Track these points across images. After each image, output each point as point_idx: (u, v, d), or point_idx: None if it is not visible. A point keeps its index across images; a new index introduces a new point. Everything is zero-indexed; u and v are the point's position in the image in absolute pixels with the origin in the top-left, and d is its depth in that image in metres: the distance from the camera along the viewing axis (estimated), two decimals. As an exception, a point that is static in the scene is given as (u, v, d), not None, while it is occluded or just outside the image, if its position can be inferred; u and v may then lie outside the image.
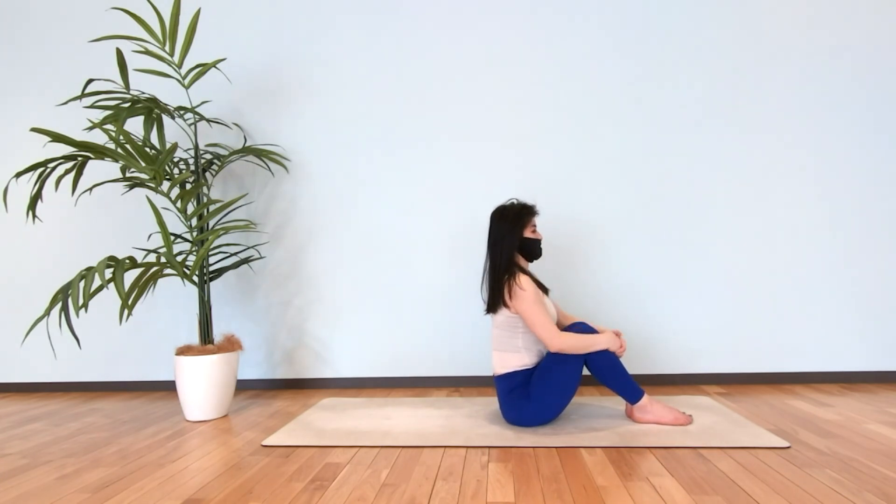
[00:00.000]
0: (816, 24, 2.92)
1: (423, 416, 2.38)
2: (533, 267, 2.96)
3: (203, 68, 2.64)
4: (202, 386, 2.47)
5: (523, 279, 2.17)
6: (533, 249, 2.29)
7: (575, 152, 2.99)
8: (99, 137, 3.07)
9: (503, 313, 2.21)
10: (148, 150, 2.51)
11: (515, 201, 2.32)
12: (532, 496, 1.54)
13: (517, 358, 2.20)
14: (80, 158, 2.41)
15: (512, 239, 2.24)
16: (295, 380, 3.11)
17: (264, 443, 2.09)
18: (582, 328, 2.16)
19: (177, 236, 2.70)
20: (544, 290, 2.33)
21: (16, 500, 1.64)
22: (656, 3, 2.97)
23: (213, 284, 3.12)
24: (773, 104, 2.92)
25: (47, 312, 2.17)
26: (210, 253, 2.75)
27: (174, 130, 3.12)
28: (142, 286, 2.33)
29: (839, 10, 2.91)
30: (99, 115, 3.24)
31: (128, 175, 2.65)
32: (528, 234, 2.27)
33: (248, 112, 3.15)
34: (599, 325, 2.96)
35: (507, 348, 2.22)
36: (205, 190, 2.79)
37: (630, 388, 2.16)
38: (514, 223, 2.25)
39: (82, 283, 2.25)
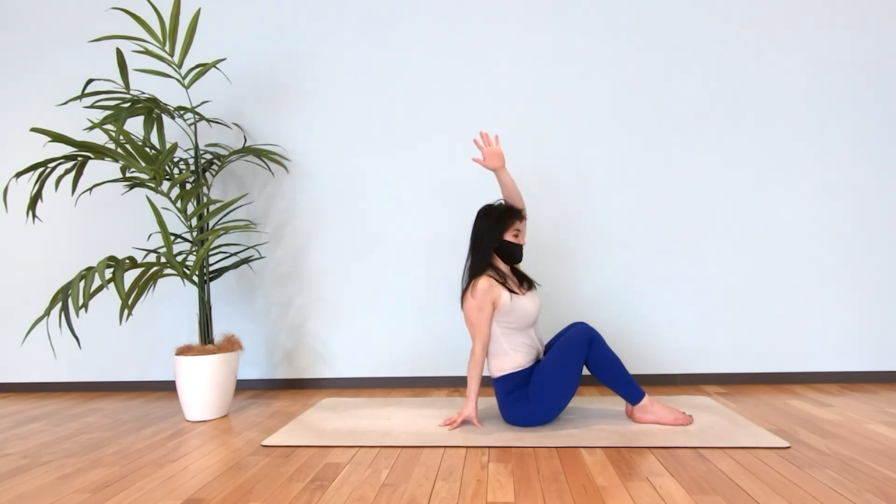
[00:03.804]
0: (821, 22, 2.92)
1: (423, 416, 2.38)
2: (531, 267, 2.95)
3: (203, 68, 2.64)
4: (202, 386, 2.47)
5: (480, 284, 2.15)
6: (511, 253, 2.25)
7: (574, 153, 2.99)
8: (99, 137, 3.07)
9: None
10: (148, 150, 2.51)
11: (504, 202, 2.30)
12: (532, 496, 1.54)
13: (508, 360, 2.19)
14: (80, 158, 2.41)
15: (491, 239, 2.22)
16: (295, 380, 3.11)
17: (264, 443, 2.09)
18: (579, 328, 2.16)
19: (177, 236, 2.70)
20: (530, 284, 2.30)
21: (16, 500, 1.64)
22: (661, 5, 2.97)
23: (213, 284, 3.11)
24: (774, 104, 2.92)
25: (47, 312, 2.17)
26: (210, 253, 2.75)
27: (174, 130, 3.12)
28: (142, 286, 2.33)
29: (844, 9, 2.91)
30: (99, 115, 3.24)
31: (128, 175, 2.65)
32: (508, 237, 2.23)
33: (248, 112, 3.15)
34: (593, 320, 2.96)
35: (495, 352, 2.21)
36: (205, 190, 2.79)
37: (631, 388, 2.15)
38: (495, 223, 2.22)
39: (82, 283, 2.25)
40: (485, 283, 2.16)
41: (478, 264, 2.24)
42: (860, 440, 1.94)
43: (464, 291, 2.22)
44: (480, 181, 3.01)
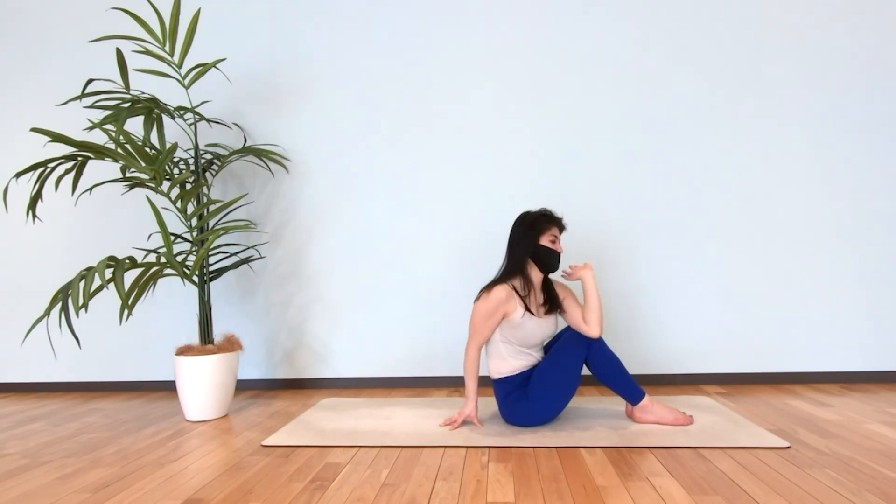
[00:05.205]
0: (820, 24, 2.92)
1: (423, 416, 2.38)
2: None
3: (203, 68, 2.64)
4: (202, 386, 2.47)
5: (499, 293, 2.12)
6: (547, 260, 2.17)
7: (577, 156, 2.99)
8: (99, 137, 3.07)
9: None
10: (148, 150, 2.51)
11: (545, 210, 2.23)
12: (532, 496, 1.54)
13: (505, 364, 2.18)
14: (80, 158, 2.41)
15: (526, 244, 2.18)
16: (295, 380, 3.11)
17: (264, 443, 2.09)
18: (583, 327, 2.16)
19: (177, 236, 2.70)
20: (552, 308, 2.21)
21: (16, 500, 1.64)
22: (661, 6, 2.97)
23: (213, 284, 3.12)
24: (775, 107, 2.92)
25: (47, 312, 2.17)
26: (210, 253, 2.75)
27: (174, 130, 3.12)
28: (142, 286, 2.33)
29: (842, 10, 2.91)
30: (99, 115, 3.24)
31: (128, 175, 2.65)
32: (544, 242, 2.17)
33: (248, 112, 3.15)
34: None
35: (494, 354, 2.21)
36: (205, 190, 2.79)
37: (631, 388, 2.15)
38: (530, 228, 2.18)
39: (82, 283, 2.25)
40: (503, 292, 2.13)
41: (510, 270, 2.20)
42: (860, 440, 1.94)
43: (483, 290, 2.18)
44: (481, 182, 3.02)
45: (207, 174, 2.99)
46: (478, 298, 2.18)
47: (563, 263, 2.95)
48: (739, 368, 2.91)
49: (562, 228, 2.23)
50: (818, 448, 1.87)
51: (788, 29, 2.92)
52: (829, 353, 2.89)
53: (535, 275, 2.22)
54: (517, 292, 2.16)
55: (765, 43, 2.93)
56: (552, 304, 2.22)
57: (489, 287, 2.17)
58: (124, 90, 2.58)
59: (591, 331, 2.13)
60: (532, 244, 2.17)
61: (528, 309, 2.15)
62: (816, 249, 2.90)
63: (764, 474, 1.65)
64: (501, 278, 2.20)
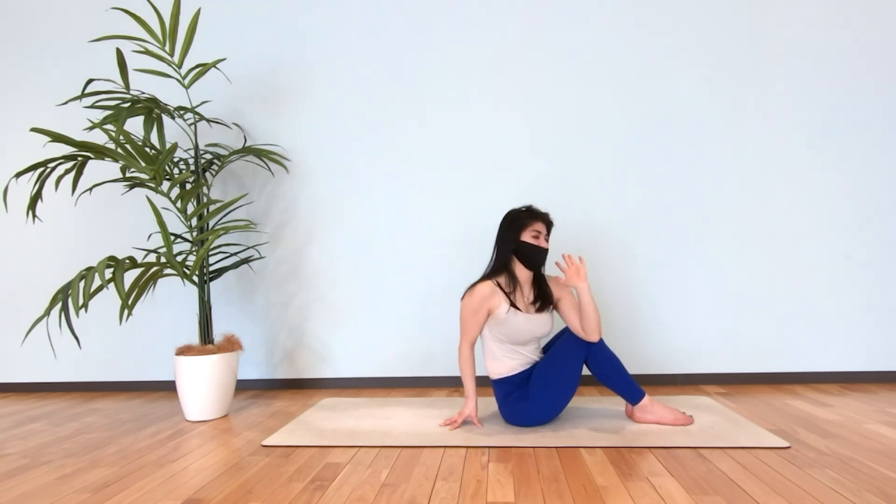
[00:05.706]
0: (821, 22, 2.92)
1: (423, 416, 2.38)
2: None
3: (203, 68, 2.64)
4: (202, 386, 2.47)
5: (482, 289, 2.13)
6: (530, 256, 2.15)
7: (577, 155, 2.99)
8: (99, 137, 3.07)
9: None
10: (148, 150, 2.51)
11: (529, 206, 2.23)
12: (532, 496, 1.54)
13: (501, 365, 2.18)
14: (80, 158, 2.41)
15: (508, 241, 2.18)
16: (295, 380, 3.11)
17: (264, 443, 2.09)
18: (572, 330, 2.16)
19: (177, 236, 2.70)
20: (544, 305, 2.21)
21: (16, 500, 1.64)
22: (662, 4, 2.97)
23: (213, 284, 3.12)
24: (774, 106, 2.92)
25: (47, 312, 2.17)
26: (210, 253, 2.75)
27: (174, 130, 3.12)
28: (142, 286, 2.33)
29: (842, 10, 2.91)
30: (99, 115, 3.24)
31: (128, 175, 2.65)
32: (526, 238, 2.15)
33: (248, 112, 3.15)
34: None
35: (488, 355, 2.21)
36: (205, 190, 2.79)
37: (631, 388, 2.15)
38: (512, 225, 2.19)
39: (82, 283, 2.25)
40: (486, 288, 2.14)
41: (496, 267, 2.21)
42: (860, 440, 1.94)
43: (469, 288, 2.19)
44: (481, 182, 3.02)
45: (207, 174, 2.99)
46: (464, 296, 2.19)
47: (559, 257, 2.95)
48: (739, 368, 2.91)
49: (548, 224, 2.20)
50: (818, 448, 1.87)
51: (789, 28, 2.92)
52: (830, 353, 2.89)
53: (522, 271, 2.21)
54: (501, 288, 2.16)
55: (765, 43, 2.93)
56: (544, 301, 2.21)
57: (474, 284, 2.18)
58: (124, 90, 2.58)
59: (590, 338, 2.13)
60: (514, 240, 2.17)
61: (513, 305, 2.14)
62: (816, 249, 2.90)
63: (764, 474, 1.65)
64: (487, 275, 2.21)
